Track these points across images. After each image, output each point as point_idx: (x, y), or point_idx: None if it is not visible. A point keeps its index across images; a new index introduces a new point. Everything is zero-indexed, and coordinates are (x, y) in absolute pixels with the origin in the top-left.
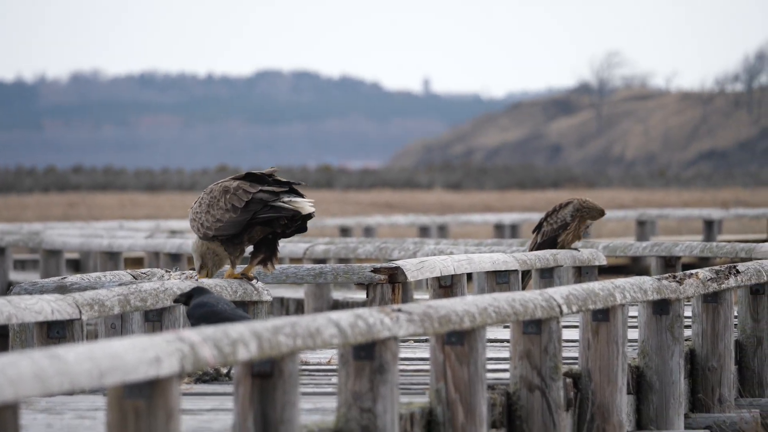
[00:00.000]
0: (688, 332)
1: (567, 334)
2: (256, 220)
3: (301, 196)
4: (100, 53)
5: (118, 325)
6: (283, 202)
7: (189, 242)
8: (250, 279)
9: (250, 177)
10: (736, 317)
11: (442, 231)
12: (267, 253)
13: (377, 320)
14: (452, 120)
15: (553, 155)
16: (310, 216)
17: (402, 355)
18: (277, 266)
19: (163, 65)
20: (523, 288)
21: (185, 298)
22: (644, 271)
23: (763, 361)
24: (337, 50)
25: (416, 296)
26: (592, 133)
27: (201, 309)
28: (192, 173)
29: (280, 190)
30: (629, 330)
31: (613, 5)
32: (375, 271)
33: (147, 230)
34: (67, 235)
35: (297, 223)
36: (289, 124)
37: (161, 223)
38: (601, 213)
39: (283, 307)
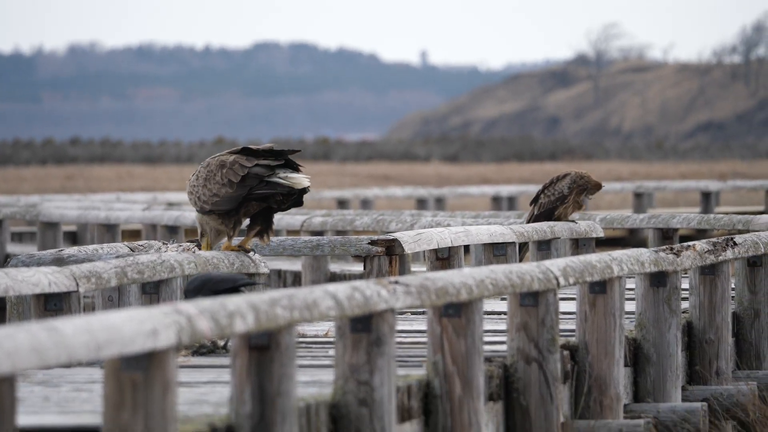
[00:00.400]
0: (685, 304)
1: (564, 306)
2: (251, 195)
3: (297, 169)
4: (97, 25)
5: (115, 297)
6: (279, 177)
7: (186, 214)
8: (247, 251)
9: (247, 151)
10: (733, 289)
11: (440, 203)
12: (263, 225)
13: (374, 292)
14: (450, 92)
15: (550, 127)
16: (305, 190)
17: (399, 328)
18: (274, 238)
19: (160, 37)
20: (521, 260)
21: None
22: (641, 243)
23: (761, 334)
24: (334, 22)
25: (413, 268)
26: (589, 105)
27: (194, 283)
28: (189, 145)
29: (276, 164)
30: (626, 302)
31: None
32: (372, 243)
33: (144, 202)
34: (65, 207)
35: (293, 198)
36: (287, 96)
37: (158, 195)
38: (598, 186)
39: (280, 279)
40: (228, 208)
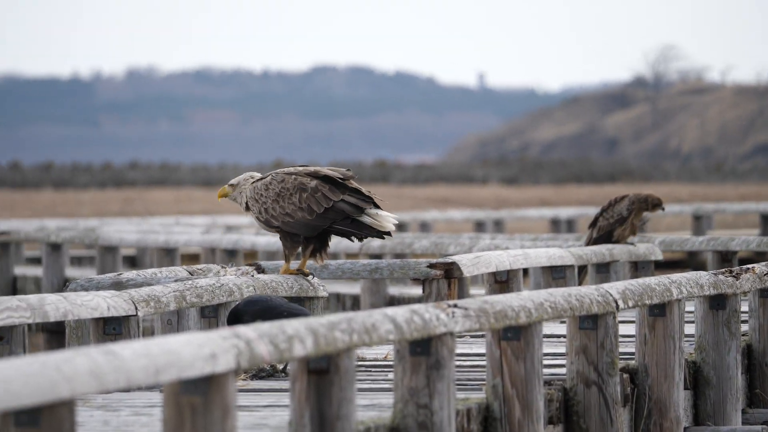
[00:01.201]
0: (744, 327)
1: (623, 329)
2: (332, 229)
3: (379, 206)
4: (155, 49)
5: (174, 321)
6: (368, 215)
7: (245, 238)
8: (306, 275)
9: (328, 180)
10: None
11: (498, 226)
12: (317, 245)
13: (433, 316)
14: (507, 114)
15: (609, 149)
16: (388, 233)
17: (458, 351)
18: (332, 262)
19: (218, 61)
20: (580, 283)
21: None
22: (701, 266)
23: None
24: (391, 45)
25: (472, 291)
26: (647, 126)
27: (255, 306)
28: (248, 168)
29: (364, 205)
30: (686, 325)
31: None
32: (431, 266)
33: (203, 226)
34: (124, 231)
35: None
36: (345, 119)
37: (217, 218)
38: (659, 202)
39: (339, 302)
40: (301, 233)
